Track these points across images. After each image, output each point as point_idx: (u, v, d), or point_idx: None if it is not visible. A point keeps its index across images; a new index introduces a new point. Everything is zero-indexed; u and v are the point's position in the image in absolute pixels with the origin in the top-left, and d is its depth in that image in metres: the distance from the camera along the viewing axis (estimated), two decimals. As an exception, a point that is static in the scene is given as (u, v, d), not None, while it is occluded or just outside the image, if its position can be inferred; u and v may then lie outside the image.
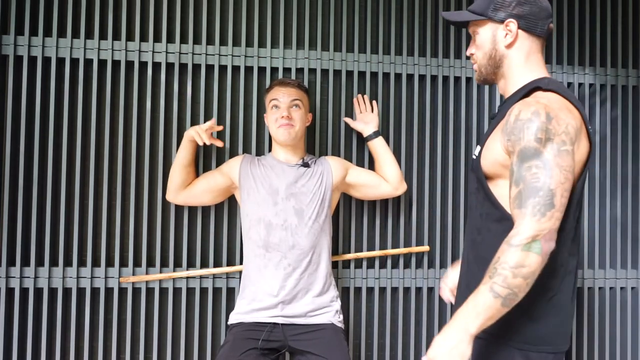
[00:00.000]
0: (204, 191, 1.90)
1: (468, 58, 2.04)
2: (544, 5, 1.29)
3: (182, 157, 1.88)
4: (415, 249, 2.13)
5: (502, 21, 1.29)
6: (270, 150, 2.01)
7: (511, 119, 1.19)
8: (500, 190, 1.25)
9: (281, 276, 1.77)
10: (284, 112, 1.82)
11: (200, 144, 1.84)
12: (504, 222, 1.22)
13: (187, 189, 1.89)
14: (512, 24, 1.27)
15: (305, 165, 1.87)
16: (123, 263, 2.01)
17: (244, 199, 1.85)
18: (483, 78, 1.37)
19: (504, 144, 1.21)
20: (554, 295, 1.23)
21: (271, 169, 1.86)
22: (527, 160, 1.14)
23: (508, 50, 1.30)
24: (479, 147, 1.33)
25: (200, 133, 1.83)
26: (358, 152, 2.13)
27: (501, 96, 1.48)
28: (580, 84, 2.27)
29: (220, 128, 1.94)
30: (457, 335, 1.13)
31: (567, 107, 1.20)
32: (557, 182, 1.12)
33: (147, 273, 1.99)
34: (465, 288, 1.33)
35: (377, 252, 2.09)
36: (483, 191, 1.28)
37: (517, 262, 1.10)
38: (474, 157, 1.33)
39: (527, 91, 1.26)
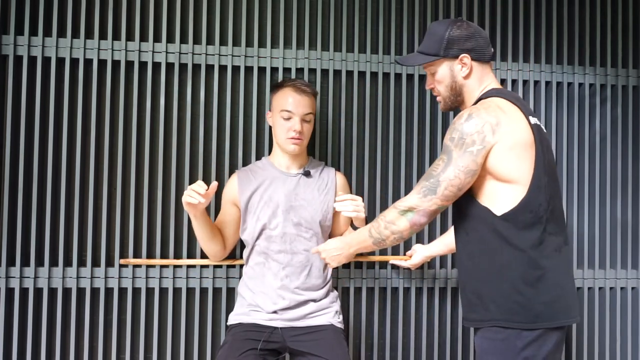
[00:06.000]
0: (235, 232, 1.87)
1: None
2: (485, 35, 1.46)
3: (200, 233, 1.76)
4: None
5: (456, 57, 1.43)
6: (270, 151, 1.99)
7: None
8: (477, 189, 1.38)
9: (279, 285, 1.77)
10: (296, 126, 1.75)
11: (195, 202, 1.58)
12: (488, 218, 1.35)
13: (227, 247, 1.87)
14: (466, 58, 1.43)
15: (307, 174, 1.84)
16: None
17: (243, 211, 1.83)
18: (448, 106, 1.52)
19: None
20: (543, 274, 1.32)
21: (271, 181, 1.82)
22: (441, 154, 1.38)
23: (466, 80, 1.46)
24: None
25: (192, 194, 1.58)
26: (358, 152, 2.13)
27: None
28: (580, 84, 2.27)
29: (215, 186, 1.63)
30: (342, 247, 1.61)
31: (499, 105, 1.34)
32: (447, 177, 1.34)
33: (146, 273, 1.99)
34: (463, 289, 1.47)
35: (377, 257, 2.06)
36: (467, 193, 1.39)
37: (391, 219, 1.42)
38: None
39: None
